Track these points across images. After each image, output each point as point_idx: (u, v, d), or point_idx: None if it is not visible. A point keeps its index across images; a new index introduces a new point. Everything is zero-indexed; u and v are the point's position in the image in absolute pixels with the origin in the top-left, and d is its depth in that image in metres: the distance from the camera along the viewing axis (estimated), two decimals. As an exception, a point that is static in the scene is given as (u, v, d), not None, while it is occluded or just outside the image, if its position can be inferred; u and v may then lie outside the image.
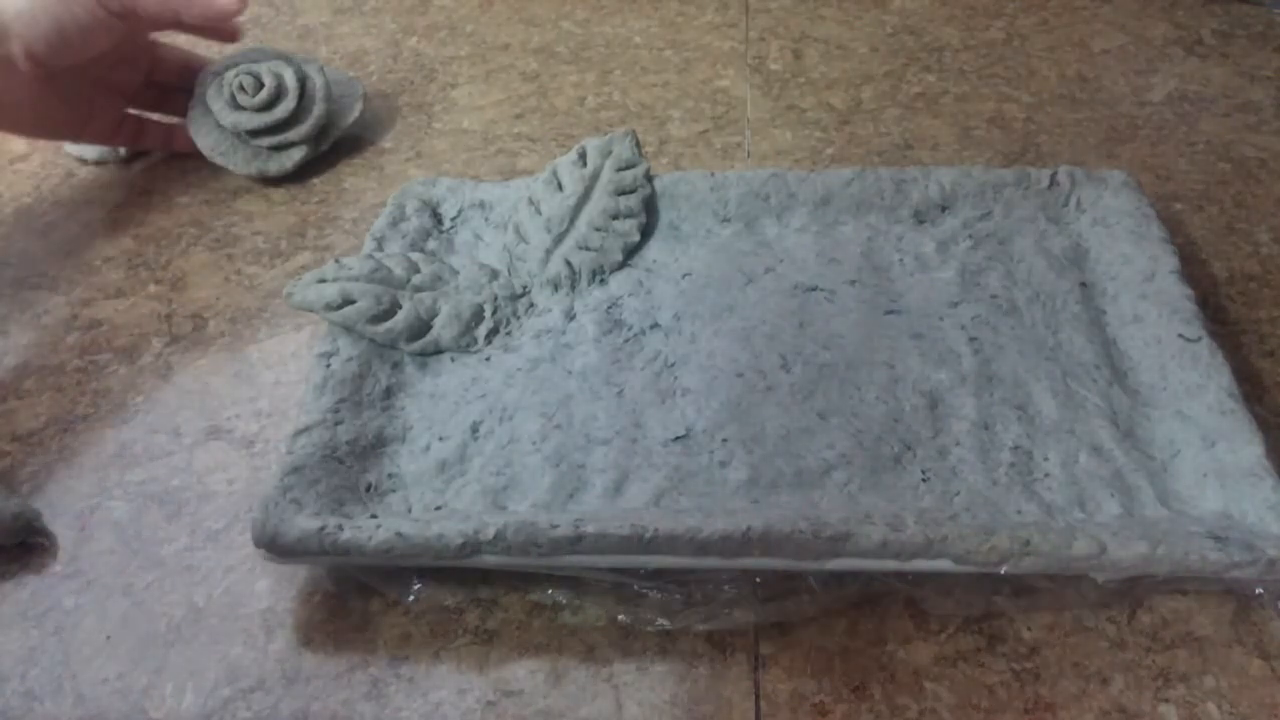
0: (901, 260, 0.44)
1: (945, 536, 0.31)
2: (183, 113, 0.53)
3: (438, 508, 0.35)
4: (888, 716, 0.31)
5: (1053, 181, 0.46)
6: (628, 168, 0.47)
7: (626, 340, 0.41)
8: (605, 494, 0.35)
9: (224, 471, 0.39)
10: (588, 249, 0.44)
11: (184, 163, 0.55)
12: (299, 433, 0.36)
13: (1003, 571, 0.32)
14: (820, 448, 0.37)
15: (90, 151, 0.55)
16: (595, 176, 0.46)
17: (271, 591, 0.35)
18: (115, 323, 0.46)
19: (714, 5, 0.66)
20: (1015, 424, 0.37)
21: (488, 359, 0.41)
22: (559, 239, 0.44)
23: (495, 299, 0.43)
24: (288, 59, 0.53)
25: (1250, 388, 0.39)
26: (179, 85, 0.53)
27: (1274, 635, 0.32)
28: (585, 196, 0.46)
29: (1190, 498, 0.34)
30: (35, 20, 0.44)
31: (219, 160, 0.52)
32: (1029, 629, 0.33)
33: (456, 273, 0.43)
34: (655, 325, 0.42)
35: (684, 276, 0.44)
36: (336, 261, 0.42)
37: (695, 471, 0.36)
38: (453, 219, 0.47)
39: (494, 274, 0.44)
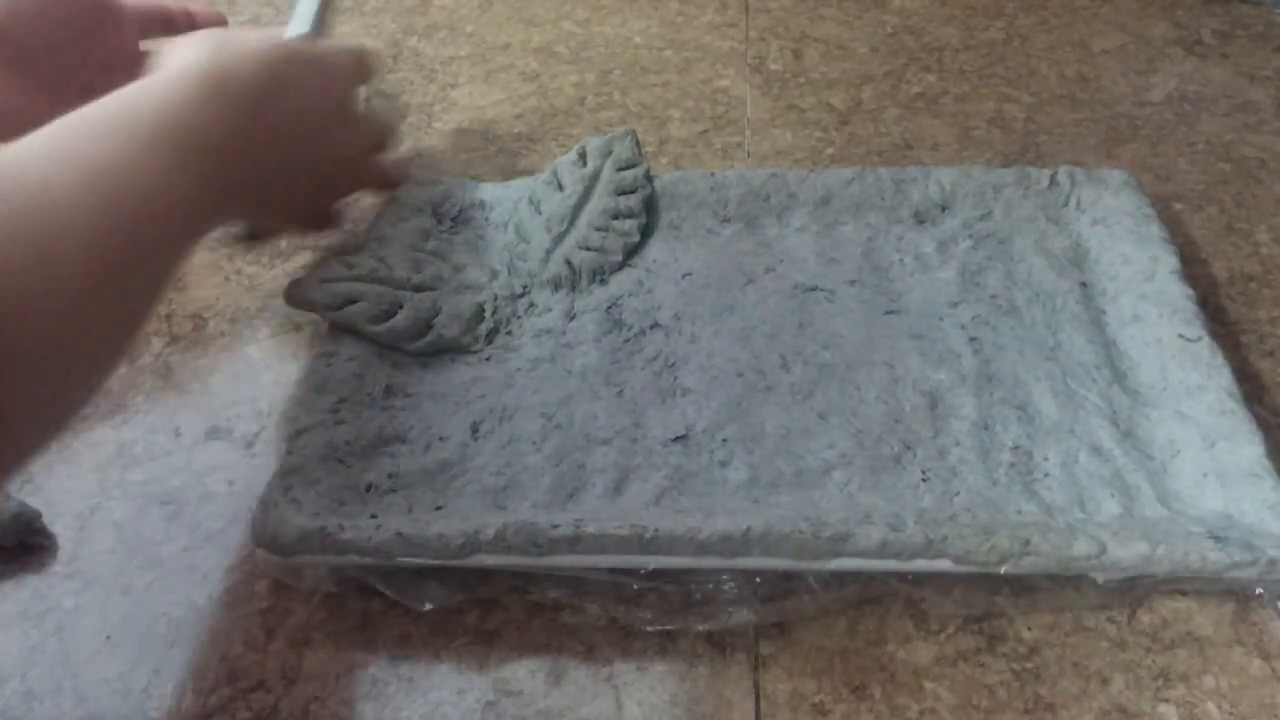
0: (901, 260, 0.44)
1: (945, 536, 0.32)
2: None
3: (438, 508, 0.35)
4: (888, 716, 0.31)
5: (1053, 181, 0.46)
6: (628, 168, 0.47)
7: (627, 340, 0.41)
8: (605, 494, 0.35)
9: (224, 471, 0.39)
10: (588, 249, 0.44)
11: (184, 163, 0.55)
12: (299, 433, 0.36)
13: (1003, 571, 0.32)
14: (820, 448, 0.37)
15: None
16: (595, 176, 0.46)
17: (271, 591, 0.35)
18: (115, 323, 0.46)
19: (714, 5, 0.66)
20: (1015, 424, 0.37)
21: (488, 359, 0.41)
22: (559, 239, 0.44)
23: (495, 299, 0.43)
24: (288, 59, 0.53)
25: (1250, 388, 0.39)
26: None
27: (1274, 635, 0.32)
28: (585, 196, 0.46)
29: (1190, 498, 0.34)
30: None
31: (219, 160, 0.52)
32: (1029, 629, 0.33)
33: (457, 273, 0.43)
34: (655, 325, 0.42)
35: (684, 276, 0.44)
36: (337, 261, 0.42)
37: (695, 471, 0.36)
38: (453, 219, 0.47)
39: (494, 274, 0.44)
